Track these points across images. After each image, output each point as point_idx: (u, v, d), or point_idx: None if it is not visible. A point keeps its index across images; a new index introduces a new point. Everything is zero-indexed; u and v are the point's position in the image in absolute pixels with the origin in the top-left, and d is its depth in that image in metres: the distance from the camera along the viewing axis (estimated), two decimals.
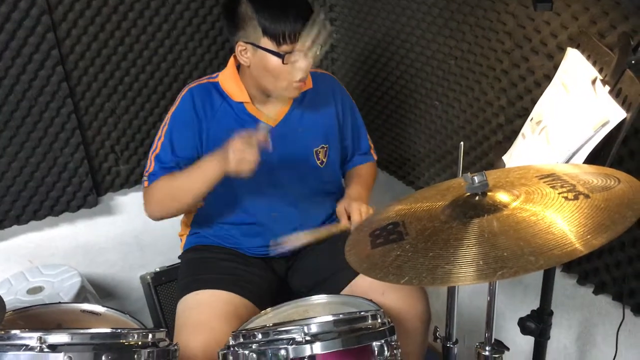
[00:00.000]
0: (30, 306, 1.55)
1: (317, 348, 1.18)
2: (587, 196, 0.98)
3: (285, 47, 1.54)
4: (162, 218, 1.74)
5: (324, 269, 1.74)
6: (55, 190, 2.10)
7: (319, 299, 1.58)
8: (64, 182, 2.10)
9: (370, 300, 1.53)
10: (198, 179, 1.60)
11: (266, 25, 1.53)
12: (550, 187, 1.04)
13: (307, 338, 1.17)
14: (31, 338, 1.11)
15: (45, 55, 1.93)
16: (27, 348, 1.10)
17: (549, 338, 1.43)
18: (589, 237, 0.90)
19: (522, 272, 0.90)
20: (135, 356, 1.17)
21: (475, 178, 1.04)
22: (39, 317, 1.52)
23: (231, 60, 1.71)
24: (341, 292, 1.68)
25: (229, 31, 1.63)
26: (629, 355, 1.58)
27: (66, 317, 1.53)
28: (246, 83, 1.69)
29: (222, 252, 1.79)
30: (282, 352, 1.18)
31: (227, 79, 1.70)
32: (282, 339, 1.19)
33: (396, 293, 1.63)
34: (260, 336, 1.22)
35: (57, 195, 2.11)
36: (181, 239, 1.94)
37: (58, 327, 1.49)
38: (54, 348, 1.11)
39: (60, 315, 1.53)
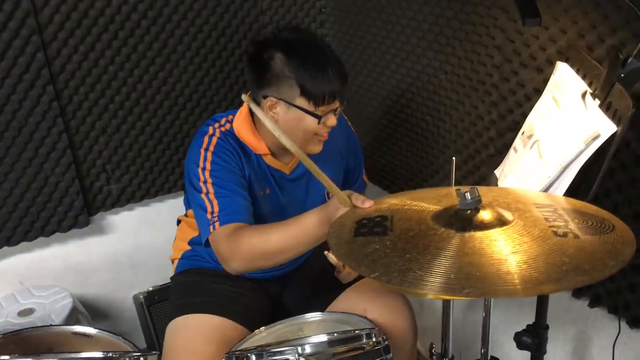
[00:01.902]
0: (20, 329, 1.53)
1: None
2: (576, 236, 0.97)
3: (322, 108, 1.51)
4: (245, 272, 1.61)
5: (317, 285, 1.74)
6: (46, 211, 2.08)
7: (313, 316, 1.57)
8: (55, 202, 2.08)
9: (365, 318, 1.52)
10: (301, 241, 1.45)
11: (305, 87, 1.48)
12: (544, 217, 1.03)
13: (302, 359, 1.16)
14: None
15: (36, 75, 1.92)
16: None
17: (545, 352, 1.43)
18: (566, 275, 0.88)
19: (489, 294, 0.89)
20: None
21: (468, 194, 1.04)
22: (30, 341, 1.50)
23: (245, 110, 1.64)
24: (327, 308, 1.68)
25: (256, 84, 1.55)
26: None
27: (57, 340, 1.51)
28: (263, 134, 1.62)
29: (214, 274, 1.76)
30: None
31: (243, 129, 1.63)
32: None
33: (380, 310, 1.62)
34: (254, 357, 1.21)
35: (48, 216, 2.09)
36: (173, 262, 1.93)
37: (49, 350, 1.47)
38: None
39: (51, 338, 1.52)
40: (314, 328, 1.50)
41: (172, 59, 2.15)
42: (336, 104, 1.54)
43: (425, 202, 1.16)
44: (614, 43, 1.34)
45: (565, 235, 0.97)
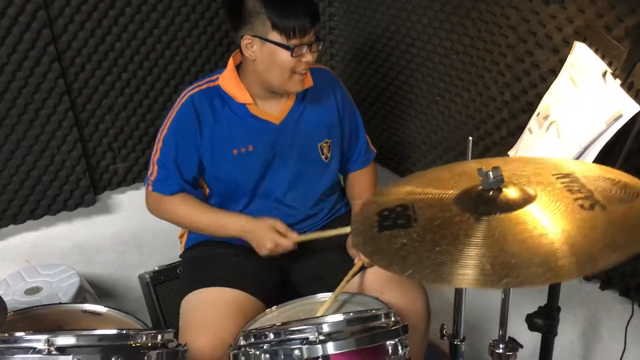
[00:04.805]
0: (30, 307, 1.53)
1: (331, 348, 1.16)
2: (603, 207, 0.95)
3: (293, 41, 1.56)
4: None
5: (325, 264, 1.74)
6: (53, 189, 2.06)
7: (324, 297, 1.57)
8: (61, 181, 2.07)
9: (377, 298, 1.52)
10: (218, 233, 1.76)
11: (275, 20, 1.55)
12: (567, 189, 1.01)
13: (321, 337, 1.16)
14: (39, 341, 1.08)
15: (42, 52, 1.89)
16: (35, 351, 1.08)
17: (556, 334, 1.43)
18: (603, 253, 0.87)
19: (527, 283, 0.87)
20: (145, 358, 1.15)
21: (490, 173, 1.02)
22: (39, 318, 1.50)
23: (230, 62, 1.72)
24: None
25: (233, 25, 1.63)
26: (638, 351, 1.57)
27: (67, 318, 1.51)
28: (247, 83, 1.69)
29: (224, 247, 1.79)
30: (296, 352, 1.16)
31: (228, 81, 1.70)
32: (294, 339, 1.18)
33: (395, 291, 1.63)
34: (272, 336, 1.21)
35: (54, 194, 2.07)
36: (181, 241, 1.93)
37: (59, 328, 1.47)
38: (62, 350, 1.08)
39: (60, 316, 1.52)
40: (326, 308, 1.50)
41: (178, 37, 2.13)
42: (308, 39, 1.59)
43: (443, 183, 1.13)
44: (633, 23, 1.32)
45: (592, 207, 0.95)
